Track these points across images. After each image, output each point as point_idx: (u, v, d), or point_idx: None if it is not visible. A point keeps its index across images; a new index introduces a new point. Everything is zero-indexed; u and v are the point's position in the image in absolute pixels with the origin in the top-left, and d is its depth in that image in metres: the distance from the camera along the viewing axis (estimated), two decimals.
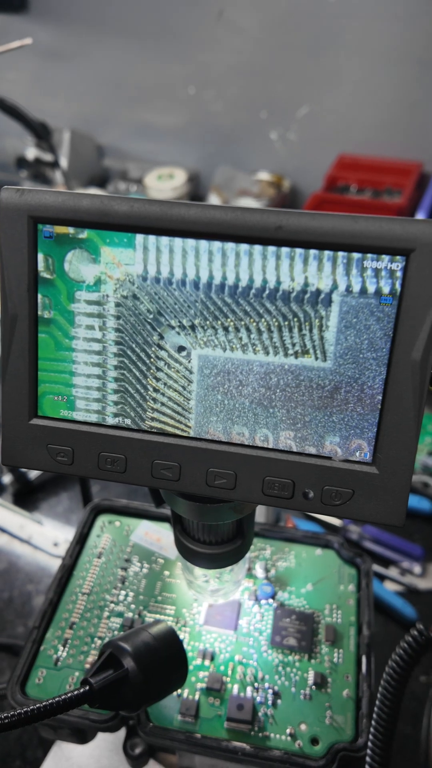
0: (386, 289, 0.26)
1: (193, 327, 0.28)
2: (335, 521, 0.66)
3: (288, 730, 0.37)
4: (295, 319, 0.27)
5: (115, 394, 0.29)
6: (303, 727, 0.38)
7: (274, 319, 0.27)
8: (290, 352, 0.27)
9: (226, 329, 0.28)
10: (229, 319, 0.27)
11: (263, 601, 0.44)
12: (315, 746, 0.37)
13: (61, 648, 0.41)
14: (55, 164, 1.07)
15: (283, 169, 1.13)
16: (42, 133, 0.83)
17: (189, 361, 0.29)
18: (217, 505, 0.32)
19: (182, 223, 0.26)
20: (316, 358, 0.27)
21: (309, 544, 0.47)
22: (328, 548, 0.47)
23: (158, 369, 0.29)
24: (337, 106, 1.06)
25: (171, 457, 0.29)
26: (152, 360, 0.29)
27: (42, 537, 0.66)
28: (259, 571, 0.45)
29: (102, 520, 0.49)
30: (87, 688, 0.32)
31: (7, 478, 0.71)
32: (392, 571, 0.62)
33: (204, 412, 0.29)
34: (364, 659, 0.40)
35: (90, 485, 0.54)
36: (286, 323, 0.27)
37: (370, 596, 0.43)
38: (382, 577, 0.61)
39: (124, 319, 0.29)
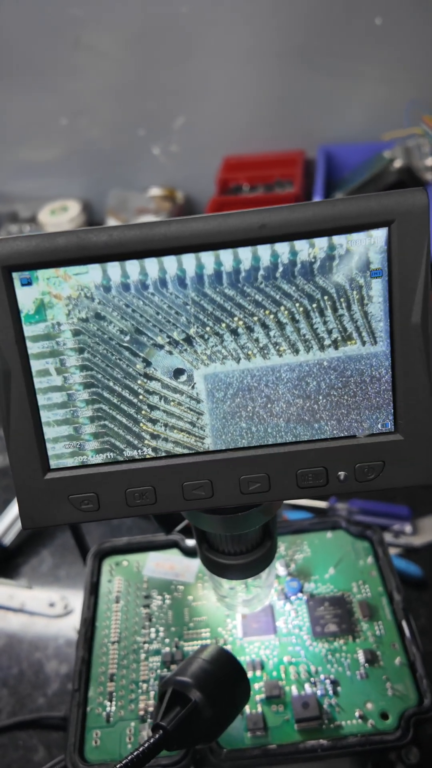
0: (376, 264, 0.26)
1: (188, 340, 0.27)
2: (321, 504, 0.67)
3: (356, 713, 0.38)
4: (326, 298, 0.24)
5: (110, 436, 0.28)
6: (369, 705, 0.38)
7: (297, 305, 0.24)
8: (327, 342, 0.25)
9: (234, 332, 0.27)
10: (236, 318, 0.26)
11: (293, 597, 0.44)
12: (386, 720, 0.37)
13: (108, 703, 0.39)
14: None
15: (172, 181, 1.14)
16: None
17: (192, 387, 0.27)
18: (247, 512, 0.32)
19: (165, 242, 0.26)
20: (363, 343, 0.26)
21: (318, 530, 0.48)
22: (336, 529, 0.48)
23: (152, 407, 0.26)
24: (212, 112, 1.08)
25: (200, 475, 0.29)
26: (142, 398, 0.26)
27: (35, 601, 0.63)
28: (280, 570, 0.45)
29: (108, 564, 0.47)
30: (161, 732, 0.31)
31: None
32: (387, 536, 0.64)
33: (224, 431, 0.28)
34: (404, 623, 0.41)
35: (83, 533, 0.52)
36: (315, 305, 0.24)
37: (390, 563, 0.44)
38: None
39: (90, 352, 0.25)
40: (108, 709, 0.39)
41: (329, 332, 0.26)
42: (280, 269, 0.26)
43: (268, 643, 0.41)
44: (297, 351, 0.26)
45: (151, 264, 0.26)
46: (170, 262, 0.26)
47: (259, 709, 0.38)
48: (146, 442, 0.28)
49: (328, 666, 0.40)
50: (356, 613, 0.42)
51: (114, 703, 0.39)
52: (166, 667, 0.41)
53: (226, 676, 0.35)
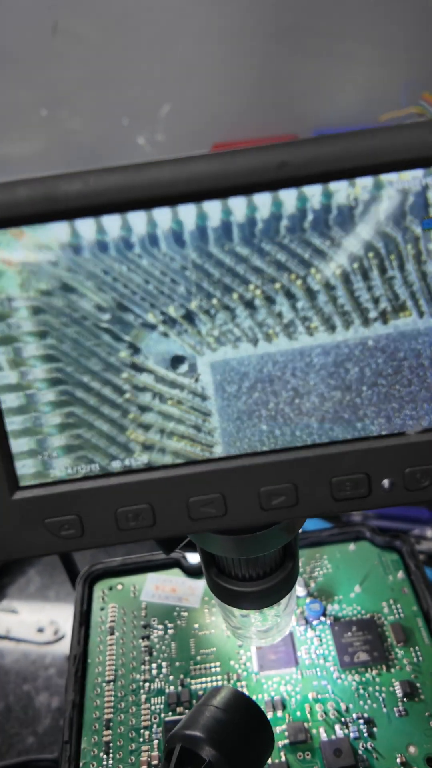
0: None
1: (189, 317, 0.21)
2: None
3: (398, 759, 0.32)
4: (372, 255, 0.19)
5: (86, 449, 0.22)
6: (412, 749, 0.32)
7: (332, 265, 0.19)
8: (373, 314, 0.20)
9: (249, 305, 0.21)
10: (251, 286, 0.21)
11: (315, 622, 0.38)
12: None
13: (105, 756, 0.33)
14: None
15: None
16: None
17: (195, 380, 0.22)
18: (266, 531, 0.26)
19: (158, 189, 0.20)
20: (421, 314, 0.21)
21: (338, 542, 0.42)
22: (359, 540, 0.42)
23: (143, 409, 0.21)
24: (200, 97, 1.03)
25: (209, 488, 0.23)
26: (129, 397, 0.21)
27: (22, 626, 0.57)
28: (299, 590, 0.39)
29: (100, 589, 0.42)
30: None
31: None
32: None
33: (239, 436, 0.23)
34: None
35: (71, 553, 0.46)
36: (356, 265, 0.19)
37: (424, 577, 0.39)
38: None
39: (55, 336, 0.20)
40: (105, 763, 0.33)
41: (376, 301, 0.20)
42: (310, 218, 0.20)
43: (289, 678, 0.36)
44: (333, 328, 0.21)
45: (137, 216, 0.20)
46: (162, 213, 0.20)
47: (283, 758, 0.33)
48: (136, 455, 0.22)
49: (360, 702, 0.34)
50: (389, 637, 0.37)
51: (111, 756, 0.33)
52: (171, 709, 0.35)
53: (244, 725, 0.29)
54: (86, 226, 0.20)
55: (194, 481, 0.23)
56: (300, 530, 0.30)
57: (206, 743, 0.27)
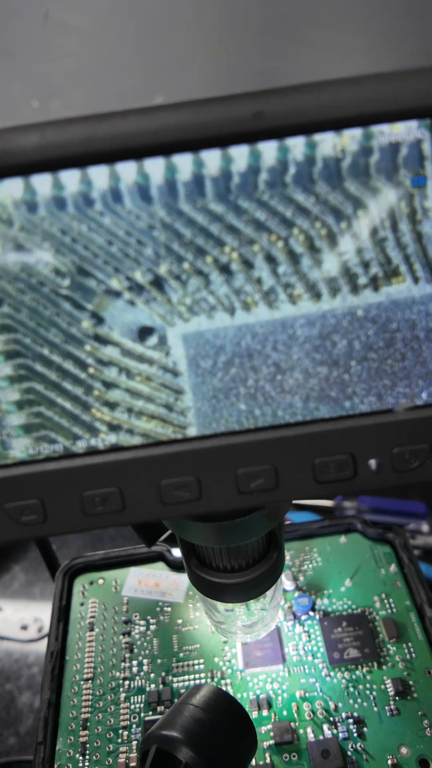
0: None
1: (158, 283, 0.19)
2: (326, 503, 0.60)
3: (389, 761, 0.30)
4: (361, 213, 0.18)
5: (48, 429, 0.21)
6: (404, 750, 0.31)
7: (318, 224, 0.18)
8: (363, 281, 0.18)
9: (225, 270, 0.19)
10: (227, 248, 0.19)
11: (303, 617, 0.36)
12: None
13: (80, 758, 0.32)
14: None
15: None
16: None
17: (166, 354, 0.20)
18: (247, 517, 0.25)
19: (122, 141, 0.18)
20: (416, 280, 0.19)
21: (329, 534, 0.41)
22: (351, 532, 0.41)
23: (108, 386, 0.20)
24: (194, 89, 1.01)
25: (183, 470, 0.21)
26: (93, 372, 0.19)
27: (5, 624, 0.55)
28: (287, 584, 0.38)
29: (80, 584, 0.40)
30: None
31: None
32: None
33: (215, 417, 0.21)
34: None
35: (51, 546, 0.44)
36: (344, 225, 0.18)
37: (418, 570, 0.37)
38: None
39: (10, 304, 0.18)
40: (81, 764, 0.32)
41: (366, 266, 0.19)
42: (292, 171, 0.18)
43: (276, 675, 0.34)
44: (318, 295, 0.19)
45: (98, 169, 0.18)
46: (127, 167, 0.18)
47: (268, 759, 0.31)
48: (102, 435, 0.21)
49: (350, 701, 0.33)
50: (381, 633, 0.35)
51: (88, 757, 0.32)
52: (151, 708, 0.33)
53: (226, 725, 0.28)
54: (42, 181, 0.18)
55: (166, 462, 0.21)
56: (286, 518, 0.29)
57: (184, 744, 0.26)
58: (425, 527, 0.57)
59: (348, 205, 0.19)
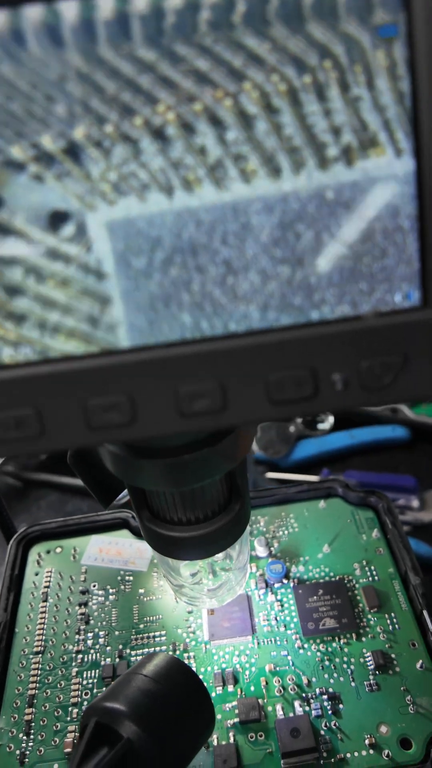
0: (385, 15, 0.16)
1: (72, 150, 0.16)
2: (313, 478, 0.56)
3: (366, 740, 0.27)
4: (329, 66, 0.14)
5: None
6: (384, 729, 0.27)
7: (275, 77, 0.14)
8: (333, 152, 0.15)
9: (159, 135, 0.16)
10: (161, 107, 0.15)
11: (276, 585, 0.33)
12: (408, 749, 0.27)
13: (24, 737, 0.29)
14: None
15: None
16: None
17: (87, 249, 0.17)
18: (197, 453, 0.21)
19: None
20: (398, 152, 0.15)
21: (307, 500, 0.37)
22: (331, 497, 0.37)
23: (12, 292, 0.16)
24: None
25: (112, 388, 0.18)
26: None
27: None
28: (259, 550, 0.35)
29: (36, 553, 0.37)
30: None
31: None
32: None
33: (152, 331, 0.18)
34: (426, 614, 0.31)
35: (5, 511, 0.41)
36: (308, 79, 0.14)
37: (402, 536, 0.34)
38: None
39: None
40: (24, 745, 0.28)
41: (336, 133, 0.16)
42: (241, 9, 0.15)
43: (244, 648, 0.31)
44: (278, 171, 0.16)
45: None
46: (31, 4, 0.15)
47: (231, 739, 0.28)
48: (6, 353, 0.18)
49: (325, 676, 0.29)
50: (361, 602, 0.32)
51: (32, 737, 0.29)
52: (105, 684, 0.30)
53: (179, 699, 0.24)
54: None
55: (93, 378, 0.18)
56: (248, 459, 0.25)
57: (127, 718, 0.23)
58: (415, 502, 0.54)
59: (312, 54, 0.16)
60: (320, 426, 0.58)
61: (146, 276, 0.18)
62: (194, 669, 0.30)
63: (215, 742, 0.28)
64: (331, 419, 0.58)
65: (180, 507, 0.25)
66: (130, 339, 0.18)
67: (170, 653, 0.26)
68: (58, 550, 0.36)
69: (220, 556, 0.28)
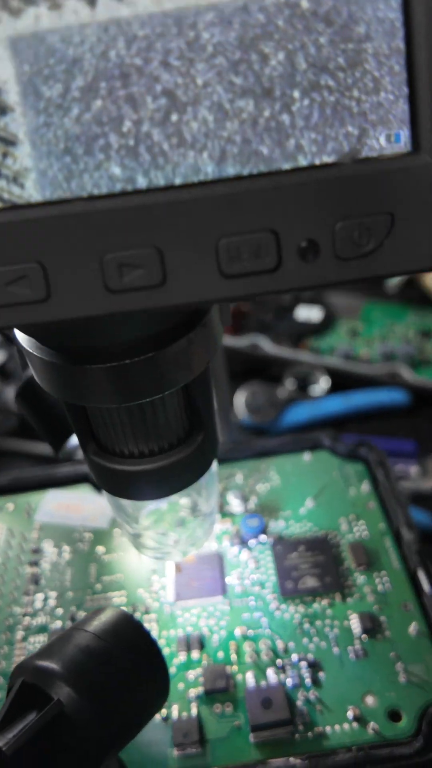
0: None
1: None
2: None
3: (350, 713, 0.23)
4: None
5: None
6: (370, 700, 0.24)
7: None
8: None
9: None
10: None
11: (252, 541, 0.29)
12: (397, 722, 0.23)
13: None
14: None
15: None
16: None
17: None
18: (140, 359, 0.18)
19: None
20: None
21: (290, 452, 0.34)
22: (317, 449, 0.34)
23: None
24: None
25: (19, 254, 0.14)
26: None
27: None
28: (234, 503, 0.31)
29: None
30: None
31: None
32: None
33: (67, 180, 0.14)
34: (420, 573, 0.27)
35: None
36: None
37: (395, 489, 0.30)
38: None
39: None
40: None
41: None
42: None
43: (213, 609, 0.27)
44: None
45: None
46: None
47: (194, 711, 0.24)
48: None
49: (304, 641, 0.26)
50: (346, 560, 0.28)
51: None
52: None
53: (125, 660, 0.21)
54: None
55: None
56: (210, 370, 0.21)
57: (60, 678, 0.19)
58: (414, 469, 0.50)
59: None
60: (313, 389, 0.54)
61: (61, 110, 0.14)
62: (156, 632, 0.26)
63: (175, 714, 0.24)
64: (324, 382, 0.54)
65: (131, 435, 0.21)
66: (41, 191, 0.14)
67: (121, 609, 0.22)
68: (10, 506, 0.33)
69: (183, 500, 0.25)
